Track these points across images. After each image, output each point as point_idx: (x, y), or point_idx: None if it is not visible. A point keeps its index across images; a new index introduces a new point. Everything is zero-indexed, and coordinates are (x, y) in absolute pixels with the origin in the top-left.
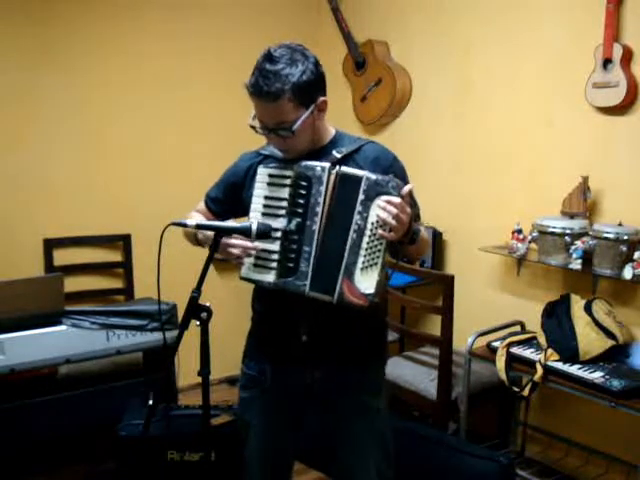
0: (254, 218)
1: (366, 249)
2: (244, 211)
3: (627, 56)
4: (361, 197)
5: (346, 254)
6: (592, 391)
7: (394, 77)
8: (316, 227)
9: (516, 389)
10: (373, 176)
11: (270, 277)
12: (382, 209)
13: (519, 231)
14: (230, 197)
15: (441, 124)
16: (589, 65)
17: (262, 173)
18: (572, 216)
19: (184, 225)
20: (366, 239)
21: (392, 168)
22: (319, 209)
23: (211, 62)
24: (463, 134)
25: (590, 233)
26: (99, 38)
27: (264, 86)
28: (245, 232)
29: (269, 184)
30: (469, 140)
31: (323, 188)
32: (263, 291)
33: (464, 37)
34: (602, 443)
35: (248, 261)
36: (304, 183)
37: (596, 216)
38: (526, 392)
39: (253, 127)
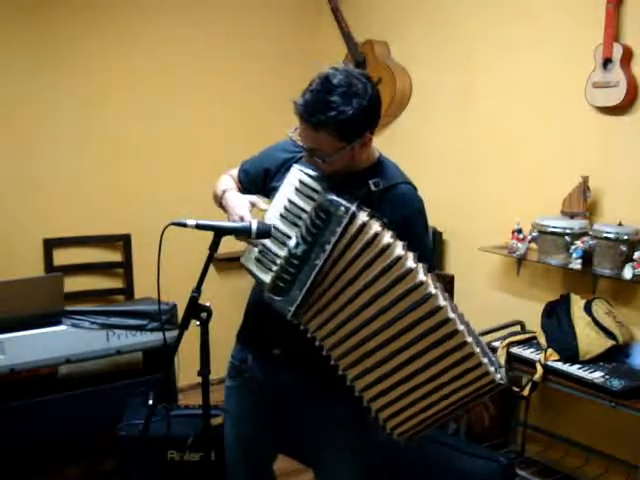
0: (271, 214)
1: None
2: (267, 196)
3: (627, 56)
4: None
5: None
6: (592, 391)
7: (394, 77)
8: (319, 262)
9: (516, 389)
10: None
11: (266, 277)
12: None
13: (519, 231)
14: (259, 177)
15: (441, 124)
16: (589, 65)
17: (294, 174)
18: (572, 216)
19: (184, 225)
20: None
21: (410, 218)
22: (328, 247)
23: (212, 62)
24: (463, 134)
25: (590, 233)
26: (100, 42)
27: (309, 113)
28: (245, 232)
29: (297, 189)
30: (469, 140)
31: (340, 229)
32: (253, 295)
33: (464, 37)
34: (602, 443)
35: (254, 250)
36: (322, 215)
37: (596, 216)
38: (526, 392)
39: (292, 139)
